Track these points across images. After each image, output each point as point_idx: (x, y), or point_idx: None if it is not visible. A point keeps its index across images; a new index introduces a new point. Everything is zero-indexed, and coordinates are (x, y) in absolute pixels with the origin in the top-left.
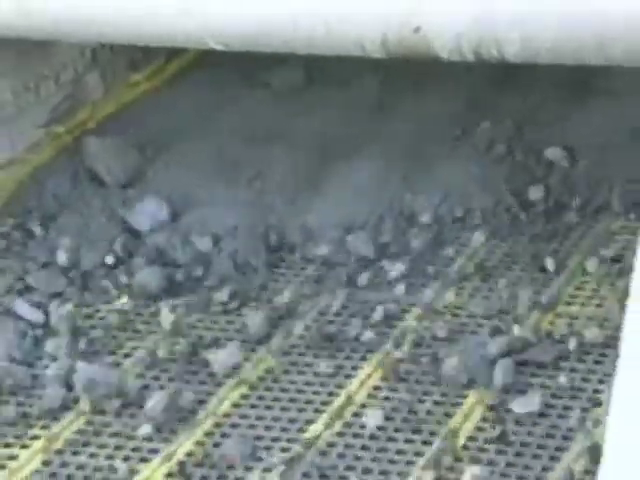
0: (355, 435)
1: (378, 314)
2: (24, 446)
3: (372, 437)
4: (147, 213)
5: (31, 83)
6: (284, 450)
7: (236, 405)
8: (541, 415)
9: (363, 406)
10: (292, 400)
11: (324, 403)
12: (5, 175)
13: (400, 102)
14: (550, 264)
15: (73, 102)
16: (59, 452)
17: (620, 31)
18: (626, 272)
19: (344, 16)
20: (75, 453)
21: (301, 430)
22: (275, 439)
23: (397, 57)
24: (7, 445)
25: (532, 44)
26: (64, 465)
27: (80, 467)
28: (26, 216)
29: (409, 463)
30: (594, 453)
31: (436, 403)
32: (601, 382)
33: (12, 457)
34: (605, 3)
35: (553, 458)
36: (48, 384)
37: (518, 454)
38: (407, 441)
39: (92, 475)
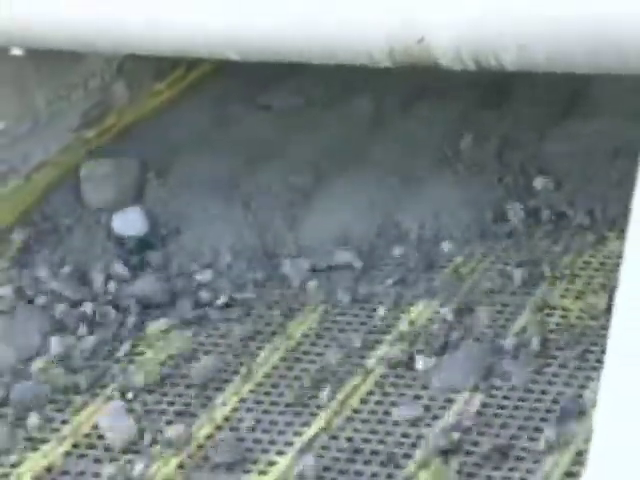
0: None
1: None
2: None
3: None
4: (142, 231)
5: (62, 91)
6: None
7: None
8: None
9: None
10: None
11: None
12: (39, 176)
13: (393, 122)
14: (542, 267)
15: (102, 109)
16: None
17: (619, 38)
18: (617, 269)
19: (354, 29)
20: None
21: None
22: None
23: (403, 65)
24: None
25: (528, 53)
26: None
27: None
28: (32, 227)
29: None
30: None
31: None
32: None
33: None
34: (602, 9)
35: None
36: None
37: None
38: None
39: None
